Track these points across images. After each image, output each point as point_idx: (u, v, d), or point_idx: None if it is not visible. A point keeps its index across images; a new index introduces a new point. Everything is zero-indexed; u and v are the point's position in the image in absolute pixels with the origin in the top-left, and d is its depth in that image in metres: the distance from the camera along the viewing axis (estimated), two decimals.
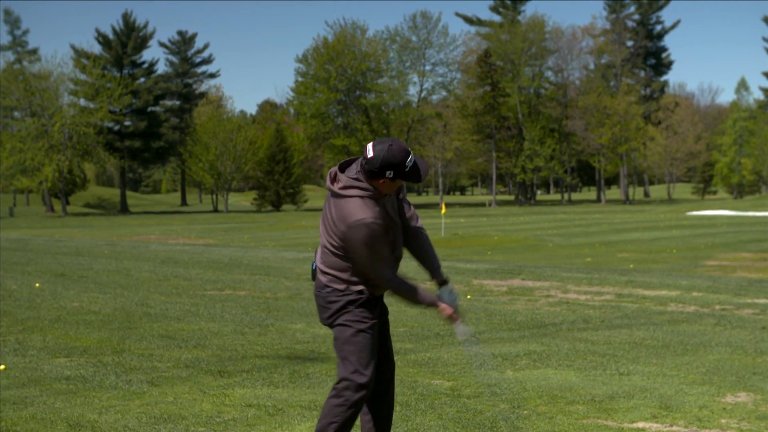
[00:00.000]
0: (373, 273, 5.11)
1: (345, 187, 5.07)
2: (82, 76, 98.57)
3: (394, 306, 13.29)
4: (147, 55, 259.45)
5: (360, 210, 4.99)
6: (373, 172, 5.00)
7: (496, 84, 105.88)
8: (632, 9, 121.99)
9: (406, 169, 5.00)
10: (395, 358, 8.96)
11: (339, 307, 5.24)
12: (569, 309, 13.58)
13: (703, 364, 9.00)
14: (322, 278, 5.27)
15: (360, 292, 5.22)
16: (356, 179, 5.07)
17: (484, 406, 7.15)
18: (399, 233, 5.29)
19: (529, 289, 16.45)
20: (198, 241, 40.95)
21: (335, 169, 5.16)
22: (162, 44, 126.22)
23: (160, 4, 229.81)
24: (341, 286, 5.23)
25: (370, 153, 5.01)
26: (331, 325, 5.29)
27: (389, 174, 4.98)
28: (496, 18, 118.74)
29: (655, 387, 7.89)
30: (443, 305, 5.30)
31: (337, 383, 5.21)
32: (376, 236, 4.99)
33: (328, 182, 5.15)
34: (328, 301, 5.27)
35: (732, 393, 7.70)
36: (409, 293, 5.22)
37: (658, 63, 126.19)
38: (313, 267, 5.35)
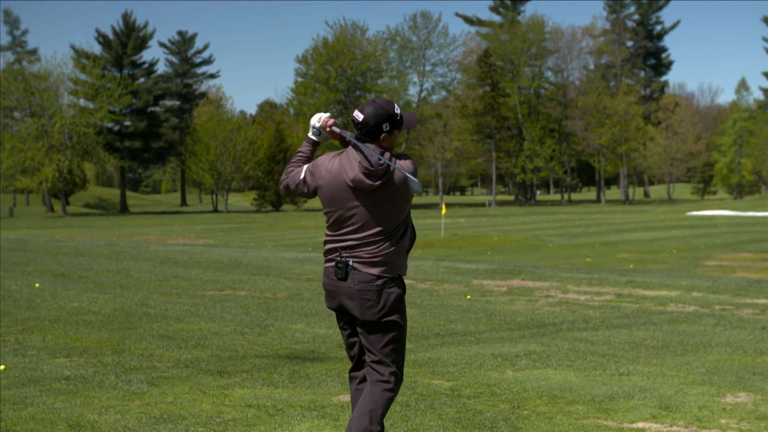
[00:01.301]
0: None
1: (383, 159, 5.05)
2: (82, 76, 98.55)
3: None
4: (147, 56, 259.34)
5: (407, 161, 5.14)
6: (370, 132, 5.06)
7: (495, 84, 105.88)
8: (632, 9, 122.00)
9: (398, 117, 5.12)
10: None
11: (394, 299, 5.18)
12: (569, 309, 13.58)
13: (702, 365, 9.00)
14: (372, 270, 5.15)
15: (402, 279, 5.26)
16: (376, 150, 5.08)
17: (484, 406, 7.15)
18: None
19: (529, 289, 16.45)
20: (198, 242, 40.96)
21: (363, 164, 5.05)
22: (162, 44, 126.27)
23: (160, 4, 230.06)
24: (394, 274, 5.20)
25: (360, 117, 5.08)
26: (378, 321, 5.20)
27: (386, 127, 5.06)
28: (496, 18, 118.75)
29: (654, 387, 7.89)
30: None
31: (390, 377, 5.22)
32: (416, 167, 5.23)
33: (370, 179, 5.05)
34: (379, 294, 5.16)
35: (732, 393, 7.70)
36: None
37: (658, 63, 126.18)
38: (351, 263, 5.18)
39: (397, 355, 5.29)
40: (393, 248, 5.18)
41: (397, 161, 5.11)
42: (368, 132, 5.07)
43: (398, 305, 5.23)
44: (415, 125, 5.25)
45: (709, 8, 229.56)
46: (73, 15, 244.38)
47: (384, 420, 5.44)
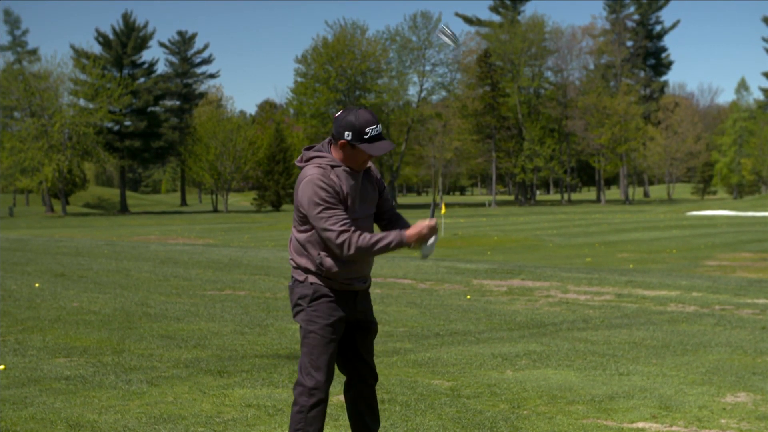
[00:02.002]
0: (329, 235, 4.89)
1: (308, 159, 5.04)
2: (82, 76, 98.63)
3: (394, 306, 13.29)
4: (147, 55, 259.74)
5: (309, 171, 4.95)
6: (335, 134, 4.96)
7: (495, 84, 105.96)
8: (632, 9, 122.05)
9: (365, 135, 4.87)
10: (394, 358, 8.98)
11: (294, 301, 5.18)
12: (569, 309, 13.58)
13: (702, 364, 9.00)
14: (291, 270, 5.26)
15: (312, 284, 5.11)
16: (319, 150, 5.04)
17: (484, 406, 7.15)
18: (364, 213, 5.13)
19: (529, 289, 16.45)
20: (198, 241, 40.95)
21: (301, 155, 5.12)
22: (162, 44, 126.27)
23: (160, 4, 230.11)
24: (301, 277, 5.17)
25: (335, 115, 5.01)
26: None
27: (348, 135, 4.86)
28: (496, 18, 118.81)
29: (654, 387, 7.89)
30: (422, 223, 5.01)
31: (293, 388, 5.18)
32: (321, 194, 4.86)
33: (297, 162, 5.11)
34: (290, 293, 5.26)
35: (732, 393, 7.70)
36: (374, 243, 4.91)
37: (658, 63, 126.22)
38: None
39: (303, 362, 5.14)
40: (296, 256, 5.20)
41: (305, 171, 5.00)
42: (335, 134, 4.97)
43: (299, 305, 5.17)
44: (382, 154, 4.95)
45: (709, 8, 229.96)
46: (73, 15, 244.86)
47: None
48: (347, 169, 4.99)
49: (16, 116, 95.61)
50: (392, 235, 4.94)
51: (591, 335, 10.92)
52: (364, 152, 4.92)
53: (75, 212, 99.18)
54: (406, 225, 5.20)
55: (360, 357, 5.31)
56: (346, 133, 4.88)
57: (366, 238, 4.89)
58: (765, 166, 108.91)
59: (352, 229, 4.89)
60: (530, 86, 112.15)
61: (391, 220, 5.31)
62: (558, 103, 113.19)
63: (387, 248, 4.92)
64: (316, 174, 4.91)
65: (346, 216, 4.91)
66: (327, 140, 5.10)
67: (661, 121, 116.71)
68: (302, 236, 5.10)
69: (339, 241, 4.86)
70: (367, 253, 4.91)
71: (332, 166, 4.96)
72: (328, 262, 5.03)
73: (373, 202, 5.20)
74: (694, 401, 7.36)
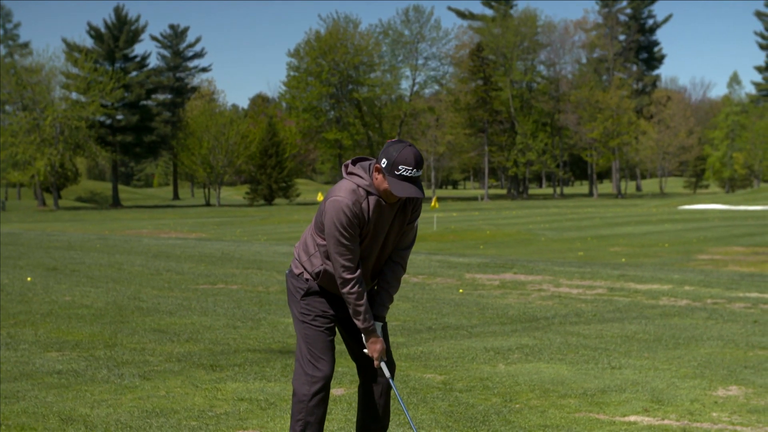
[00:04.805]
0: (334, 260, 4.98)
1: (350, 173, 5.05)
2: (74, 70, 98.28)
3: None
4: (139, 49, 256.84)
5: (343, 190, 4.96)
6: (378, 156, 4.98)
7: (488, 78, 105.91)
8: (624, 3, 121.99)
9: (396, 172, 4.83)
10: None
11: (288, 293, 5.29)
12: (561, 303, 13.60)
13: (694, 358, 9.02)
14: (292, 259, 5.33)
15: (308, 280, 5.19)
16: (364, 169, 5.04)
17: (476, 400, 7.16)
18: (380, 244, 5.13)
19: (522, 283, 16.47)
20: (190, 235, 40.88)
21: (349, 162, 5.12)
22: (154, 38, 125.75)
23: None
24: (297, 270, 5.23)
25: (388, 140, 5.06)
26: None
27: (383, 162, 4.88)
28: (489, 12, 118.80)
29: (646, 381, 7.91)
30: (375, 341, 5.16)
31: (293, 380, 5.23)
32: (344, 222, 4.89)
33: (343, 167, 5.13)
34: (286, 279, 5.33)
35: (723, 386, 7.72)
36: (358, 303, 5.03)
37: (650, 57, 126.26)
38: None
39: (303, 351, 5.22)
40: (302, 252, 5.22)
41: (341, 187, 5.01)
42: (378, 156, 4.99)
43: (293, 297, 5.27)
44: (403, 196, 4.87)
45: (701, 3, 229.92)
46: (65, 8, 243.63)
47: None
48: (382, 201, 5.00)
49: (8, 110, 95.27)
50: (367, 321, 5.08)
51: (583, 329, 10.94)
52: (391, 179, 4.90)
53: (67, 206, 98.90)
54: (386, 297, 5.26)
55: (365, 354, 5.35)
56: (384, 160, 4.90)
57: (357, 294, 5.02)
58: (757, 160, 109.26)
59: (358, 273, 5.02)
60: (523, 80, 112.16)
61: (383, 276, 5.28)
62: (550, 97, 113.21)
63: (355, 317, 5.10)
64: (347, 200, 4.92)
65: (358, 253, 5.01)
66: (374, 161, 5.08)
67: (653, 115, 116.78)
68: (316, 242, 5.17)
69: (341, 275, 5.00)
70: (347, 301, 5.07)
71: (368, 193, 4.98)
72: (326, 276, 5.14)
73: (399, 238, 5.23)
74: (685, 395, 7.39)
